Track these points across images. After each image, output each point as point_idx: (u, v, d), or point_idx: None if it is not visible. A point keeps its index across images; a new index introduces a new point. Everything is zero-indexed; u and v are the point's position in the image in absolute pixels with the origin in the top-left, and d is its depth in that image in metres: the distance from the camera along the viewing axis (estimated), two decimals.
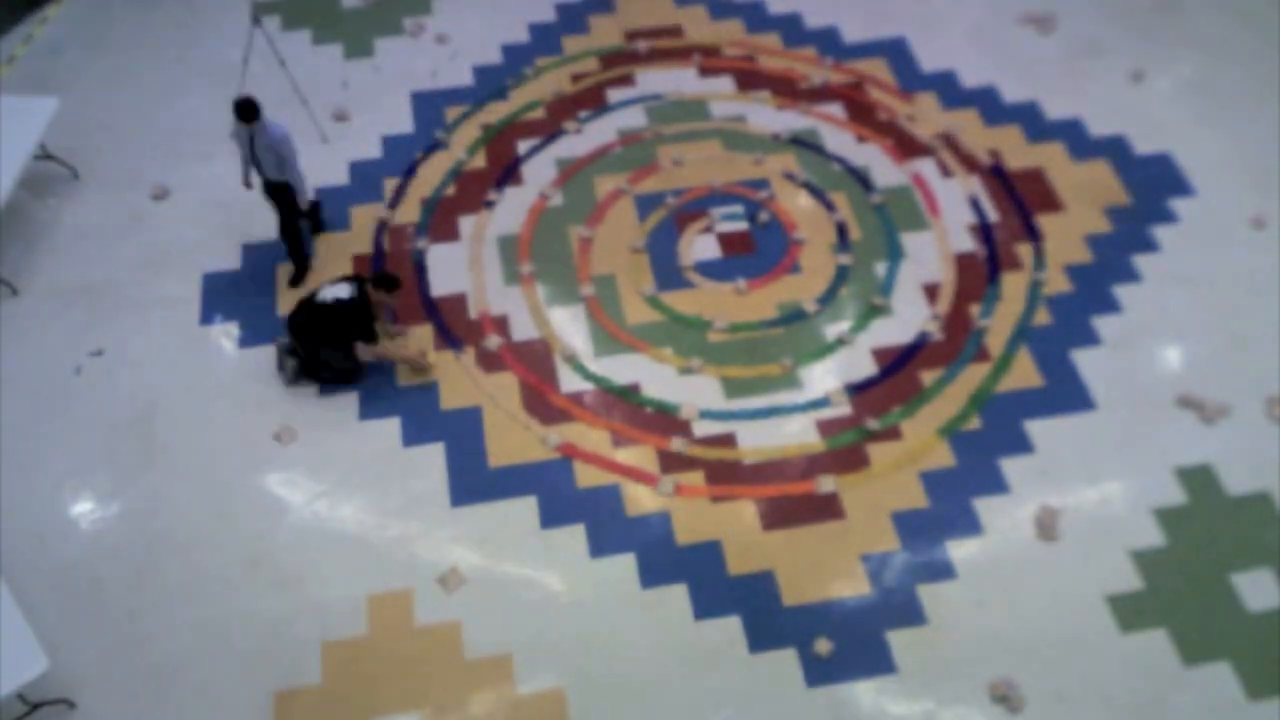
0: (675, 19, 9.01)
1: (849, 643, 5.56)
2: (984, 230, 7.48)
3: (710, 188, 7.74)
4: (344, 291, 6.33)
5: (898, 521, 6.03)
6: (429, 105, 8.33)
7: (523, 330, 6.94)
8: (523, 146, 8.05)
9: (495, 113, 8.29)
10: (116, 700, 5.40)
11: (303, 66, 8.59)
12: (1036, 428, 6.42)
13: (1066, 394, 6.57)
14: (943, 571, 5.84)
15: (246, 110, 6.34)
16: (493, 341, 6.87)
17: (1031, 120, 8.19)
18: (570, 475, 6.21)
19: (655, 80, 8.51)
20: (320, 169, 7.82)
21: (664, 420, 6.49)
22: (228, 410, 6.51)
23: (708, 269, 7.28)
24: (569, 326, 6.97)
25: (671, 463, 6.29)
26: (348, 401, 6.55)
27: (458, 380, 6.66)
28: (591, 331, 6.94)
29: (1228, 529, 5.99)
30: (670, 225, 7.53)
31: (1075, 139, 8.06)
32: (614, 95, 8.40)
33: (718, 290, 7.15)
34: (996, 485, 6.18)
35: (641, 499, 6.13)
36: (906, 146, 8.02)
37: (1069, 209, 7.58)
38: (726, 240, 7.44)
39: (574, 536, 5.97)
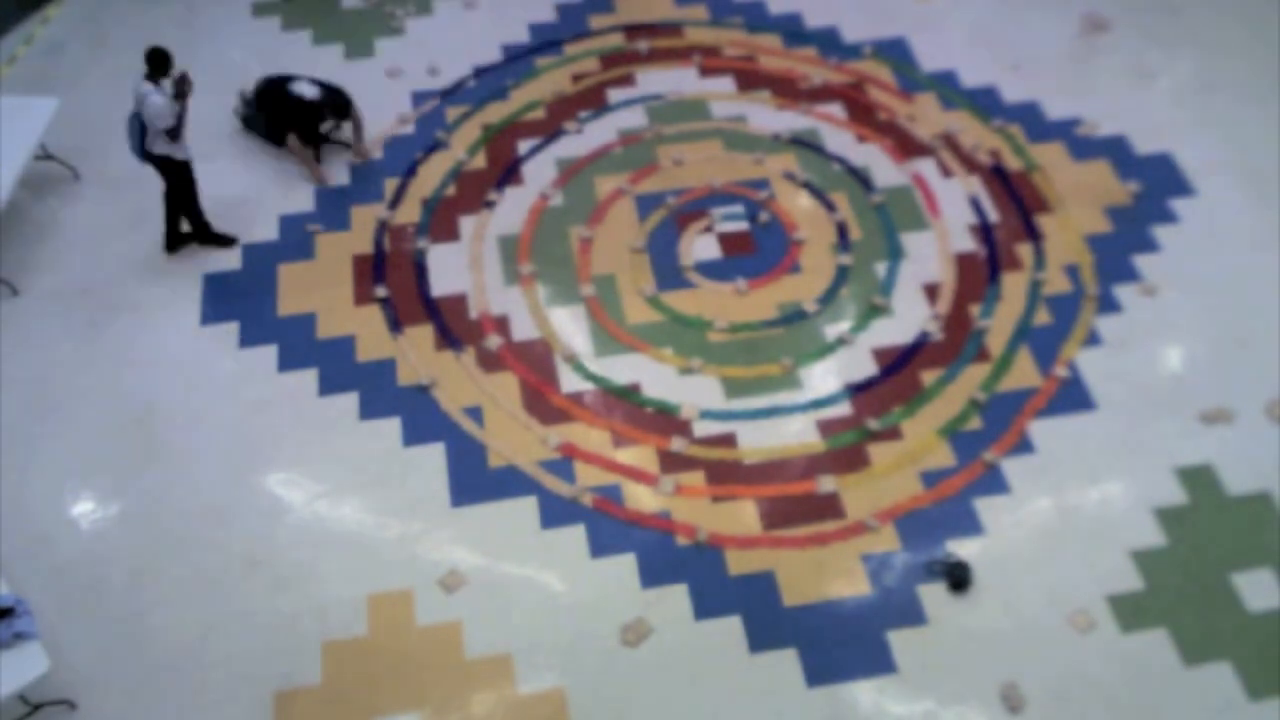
0: (675, 19, 9.02)
1: (849, 643, 5.57)
2: (984, 230, 7.49)
3: (710, 188, 7.74)
4: (311, 92, 7.51)
5: (898, 521, 6.03)
6: (429, 105, 8.34)
7: (523, 330, 6.94)
8: (523, 146, 8.05)
9: (495, 113, 8.29)
10: (116, 700, 5.40)
11: (302, 67, 8.60)
12: (1037, 428, 6.42)
13: (1067, 394, 6.57)
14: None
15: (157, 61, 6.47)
16: (493, 341, 6.87)
17: (1032, 120, 8.20)
18: (570, 475, 6.22)
19: (655, 80, 8.52)
20: (320, 169, 7.83)
21: (664, 420, 6.49)
22: (228, 410, 6.51)
23: (708, 269, 7.28)
24: (569, 326, 6.97)
25: (672, 463, 6.29)
26: (348, 401, 6.55)
27: (458, 380, 6.67)
28: (592, 331, 6.94)
29: (1228, 529, 5.99)
30: (670, 225, 7.53)
31: (1075, 139, 8.06)
32: (614, 95, 8.41)
33: (718, 290, 7.15)
34: (997, 485, 6.18)
35: (642, 499, 6.13)
36: (906, 146, 8.03)
37: (1069, 209, 7.59)
38: (727, 240, 7.44)
39: (574, 536, 5.98)
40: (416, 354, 6.79)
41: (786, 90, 8.44)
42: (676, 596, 5.73)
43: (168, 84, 6.44)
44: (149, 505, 6.11)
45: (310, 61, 8.64)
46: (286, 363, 6.75)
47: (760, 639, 5.58)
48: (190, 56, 8.70)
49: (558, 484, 6.18)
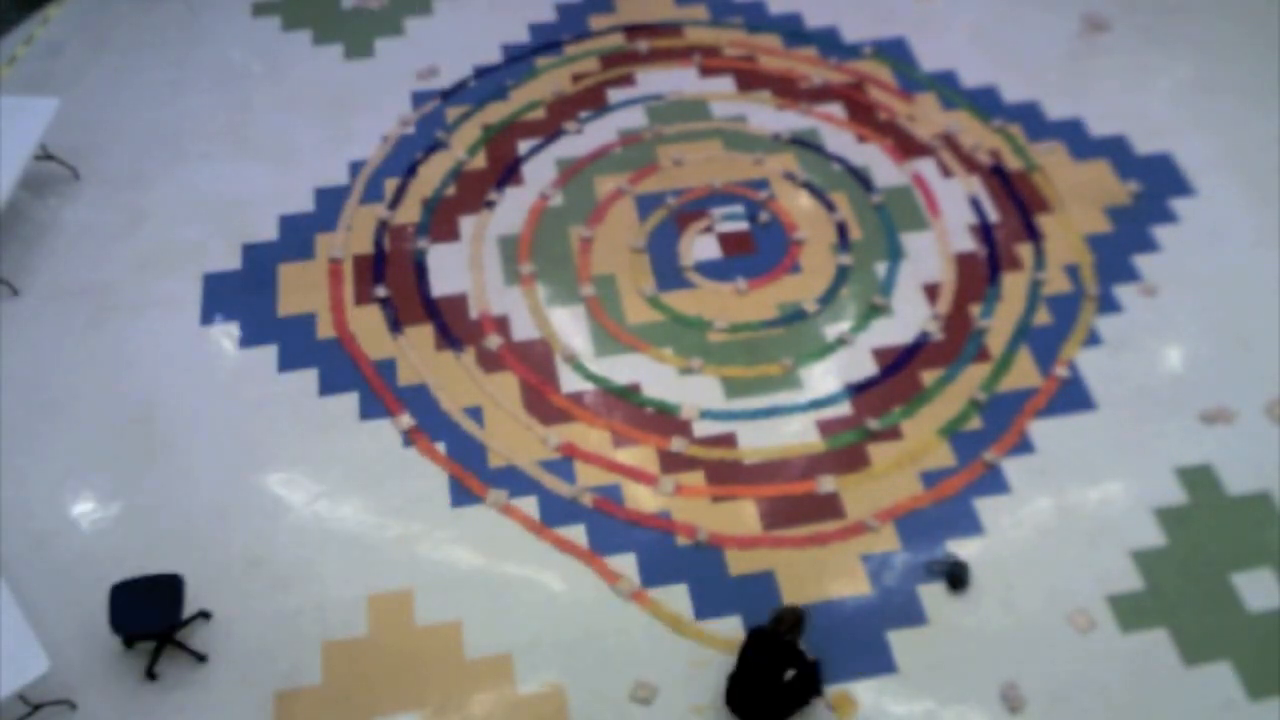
0: (675, 19, 9.02)
1: (849, 643, 5.56)
2: (984, 230, 7.49)
3: (710, 188, 7.74)
4: None
5: (898, 521, 6.03)
6: (429, 105, 8.34)
7: (523, 330, 6.94)
8: (523, 146, 8.05)
9: (495, 113, 8.29)
10: (116, 700, 5.40)
11: (303, 67, 8.61)
12: (1037, 428, 6.42)
13: (1067, 394, 6.57)
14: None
15: None
16: (493, 341, 6.87)
17: (1032, 120, 8.20)
18: (571, 475, 6.22)
19: (655, 80, 8.51)
20: (321, 169, 7.84)
21: (664, 420, 6.49)
22: (228, 410, 6.51)
23: (708, 269, 7.28)
24: (569, 326, 6.97)
25: (672, 463, 6.29)
26: (348, 401, 6.55)
27: (458, 380, 6.67)
28: (592, 331, 6.93)
29: (1228, 529, 5.99)
30: (670, 225, 7.53)
31: (1075, 139, 8.06)
32: (614, 95, 8.40)
33: (718, 290, 7.15)
34: (997, 485, 6.18)
35: (642, 499, 6.13)
36: (906, 146, 8.02)
37: (1069, 209, 7.58)
38: (727, 240, 7.44)
39: (574, 536, 5.97)
40: (416, 354, 6.79)
41: (786, 90, 8.44)
42: (676, 596, 5.74)
43: None
44: (149, 505, 6.11)
45: (310, 61, 8.65)
46: (286, 363, 6.75)
47: None
48: (190, 56, 8.71)
49: (558, 484, 6.18)
